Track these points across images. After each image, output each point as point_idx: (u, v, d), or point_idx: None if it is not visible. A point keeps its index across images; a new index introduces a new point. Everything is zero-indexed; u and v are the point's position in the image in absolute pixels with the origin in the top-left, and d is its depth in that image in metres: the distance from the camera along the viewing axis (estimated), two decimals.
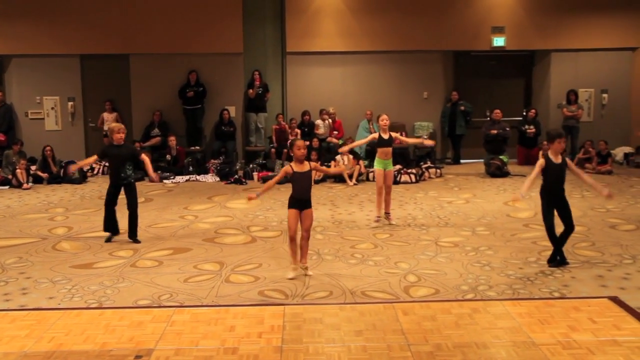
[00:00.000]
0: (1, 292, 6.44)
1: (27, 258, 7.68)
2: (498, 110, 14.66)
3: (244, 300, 6.13)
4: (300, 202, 6.75)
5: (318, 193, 11.74)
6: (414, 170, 13.40)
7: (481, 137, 14.63)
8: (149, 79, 15.34)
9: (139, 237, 8.41)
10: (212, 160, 14.58)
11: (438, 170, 13.94)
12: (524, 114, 15.63)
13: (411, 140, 11.15)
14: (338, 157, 13.56)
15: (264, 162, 14.60)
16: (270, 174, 13.64)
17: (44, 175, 13.47)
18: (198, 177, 13.94)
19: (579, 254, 7.59)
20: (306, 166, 6.78)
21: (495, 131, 14.35)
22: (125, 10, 15.08)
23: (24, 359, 4.78)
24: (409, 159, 15.17)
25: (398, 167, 9.43)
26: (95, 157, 8.83)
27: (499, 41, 15.89)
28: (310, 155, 13.41)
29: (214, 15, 15.16)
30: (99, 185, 13.11)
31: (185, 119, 15.22)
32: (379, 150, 9.23)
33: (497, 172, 13.62)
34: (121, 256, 7.73)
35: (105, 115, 15.18)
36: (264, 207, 10.70)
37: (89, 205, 10.99)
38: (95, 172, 14.56)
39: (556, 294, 6.17)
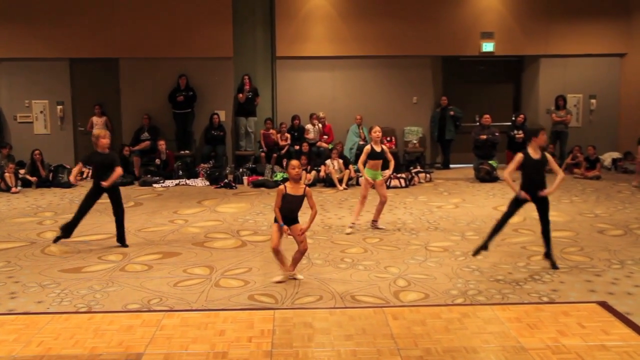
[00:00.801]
0: None
1: (15, 262, 7.63)
2: (487, 116, 14.72)
3: (233, 304, 6.12)
4: (286, 219, 6.73)
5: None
6: (403, 175, 13.44)
7: (470, 142, 14.69)
8: (139, 83, 15.31)
9: (127, 242, 8.39)
10: (202, 165, 14.56)
11: (428, 175, 13.98)
12: (513, 119, 15.69)
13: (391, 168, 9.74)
14: (328, 162, 13.57)
15: (253, 166, 14.60)
16: (260, 178, 13.65)
17: (33, 179, 13.41)
18: (188, 181, 13.91)
19: (567, 258, 7.63)
20: (300, 189, 6.72)
21: (484, 136, 14.41)
22: (115, 14, 15.06)
23: None
24: (399, 164, 15.21)
25: (387, 172, 9.39)
26: (80, 165, 8.78)
27: (488, 46, 15.97)
28: (300, 160, 13.42)
29: (204, 19, 15.16)
30: (88, 189, 13.02)
31: (175, 123, 15.20)
32: (370, 162, 9.19)
33: (486, 177, 13.68)
34: (110, 260, 7.70)
35: (95, 119, 15.13)
36: (254, 211, 10.70)
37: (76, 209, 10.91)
38: (84, 175, 14.47)
39: (545, 299, 6.20)
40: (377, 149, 9.19)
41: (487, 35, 15.96)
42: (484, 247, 7.29)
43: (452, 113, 15.60)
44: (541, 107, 16.23)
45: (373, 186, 9.24)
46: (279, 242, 6.69)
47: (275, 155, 14.67)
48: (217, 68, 15.35)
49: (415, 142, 15.87)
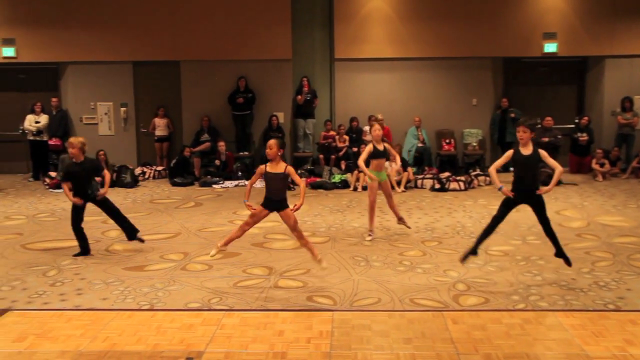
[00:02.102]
0: (57, 292, 6.60)
1: (81, 259, 7.86)
2: (549, 118, 14.42)
3: (292, 305, 6.15)
4: (273, 202, 6.73)
5: (365, 199, 11.67)
6: (462, 178, 13.28)
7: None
8: (199, 85, 15.55)
9: (187, 241, 8.50)
10: (261, 166, 14.65)
11: (487, 178, 13.77)
12: (577, 121, 15.34)
13: (397, 163, 9.79)
14: (386, 163, 13.48)
15: (312, 167, 14.64)
16: (318, 179, 13.68)
17: (97, 179, 13.72)
18: (247, 183, 14.02)
19: (634, 265, 7.41)
20: (280, 167, 6.71)
21: (546, 139, 14.11)
22: (177, 18, 15.33)
23: (79, 358, 4.89)
24: (458, 166, 15.05)
25: (395, 166, 9.12)
26: (65, 185, 8.08)
27: (550, 47, 15.64)
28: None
29: (263, 22, 15.30)
30: (150, 189, 13.34)
31: (235, 125, 15.38)
32: (373, 162, 8.83)
33: (547, 180, 13.34)
34: (172, 259, 7.85)
35: (157, 120, 15.44)
36: (311, 212, 10.74)
37: (140, 209, 11.19)
38: (146, 176, 14.81)
39: (611, 306, 6.03)
40: (379, 147, 8.84)
41: (550, 36, 15.63)
42: (473, 252, 6.87)
43: (512, 115, 15.33)
44: (606, 109, 15.80)
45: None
46: (253, 224, 6.82)
47: (333, 157, 14.69)
48: (276, 70, 15.47)
49: (474, 144, 15.66)
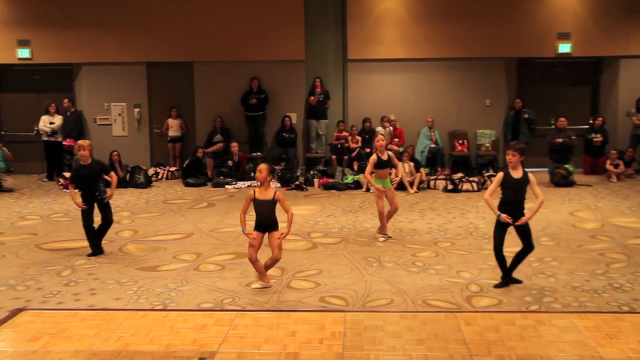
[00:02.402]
0: (71, 292, 6.65)
1: (95, 259, 7.90)
2: (563, 118, 14.33)
3: (305, 305, 6.16)
4: (264, 225, 6.73)
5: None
6: (475, 179, 13.24)
7: (545, 146, 14.33)
8: (212, 86, 15.59)
9: (196, 242, 8.53)
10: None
11: None
12: (591, 122, 15.25)
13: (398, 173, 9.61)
14: (399, 164, 13.46)
15: (324, 168, 14.64)
16: (330, 180, 13.68)
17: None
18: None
19: None
20: (269, 193, 6.68)
21: (560, 140, 14.05)
22: (190, 19, 15.37)
23: (93, 357, 4.92)
24: (471, 167, 15.00)
25: (397, 179, 9.18)
26: (72, 188, 8.15)
27: (564, 47, 15.54)
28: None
29: (276, 23, 15.31)
30: (163, 190, 13.39)
31: (247, 126, 15.40)
32: (378, 171, 8.91)
33: (561, 181, 13.32)
34: (185, 260, 7.88)
35: (170, 121, 15.49)
36: (324, 213, 10.74)
37: (153, 209, 11.23)
38: (159, 176, 14.86)
39: (625, 308, 5.99)
40: (384, 157, 8.92)
41: (564, 36, 15.53)
42: (509, 281, 6.75)
43: (526, 116, 15.25)
44: (620, 109, 15.68)
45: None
46: (256, 250, 6.69)
47: (346, 157, 14.68)
48: (288, 71, 15.48)
49: (487, 145, 15.59)
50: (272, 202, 6.68)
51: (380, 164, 8.90)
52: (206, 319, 5.74)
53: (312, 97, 15.24)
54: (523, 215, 6.58)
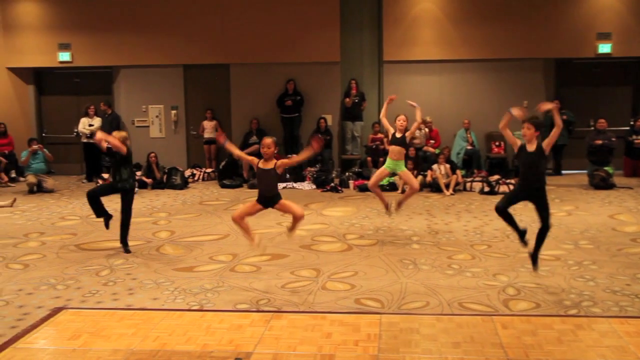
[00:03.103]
0: (110, 291, 6.74)
1: (133, 260, 8.01)
2: (603, 120, 14.10)
3: (340, 307, 6.16)
4: (266, 198, 6.82)
5: (414, 202, 11.65)
6: (512, 181, 13.08)
7: (584, 148, 14.11)
8: (248, 88, 15.70)
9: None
10: (309, 168, 14.73)
11: None
12: (632, 123, 14.96)
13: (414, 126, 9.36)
14: (434, 167, 13.41)
15: (359, 170, 14.63)
16: (366, 182, 13.64)
17: (149, 180, 14.01)
18: (295, 185, 14.12)
19: None
20: (271, 164, 6.78)
21: (600, 141, 13.81)
22: (226, 22, 15.51)
23: (131, 356, 4.99)
24: (508, 169, 14.83)
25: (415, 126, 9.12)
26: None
27: (605, 48, 15.28)
28: (406, 164, 13.33)
29: (311, 24, 15.36)
30: (200, 191, 13.52)
31: (283, 127, 15.47)
32: (390, 148, 9.02)
33: (601, 183, 13.10)
34: (221, 260, 7.93)
35: (205, 123, 15.63)
36: (360, 215, 10.73)
37: (190, 211, 11.34)
38: (196, 178, 15.01)
39: None
40: (398, 135, 8.98)
41: (604, 36, 15.27)
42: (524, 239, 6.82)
43: (564, 117, 15.03)
44: None
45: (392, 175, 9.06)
46: (245, 215, 6.87)
47: (381, 159, 14.63)
48: (324, 72, 15.51)
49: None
50: (273, 171, 6.80)
51: (394, 141, 8.99)
52: (242, 319, 5.77)
53: (347, 99, 15.23)
54: (540, 193, 6.51)
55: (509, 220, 6.80)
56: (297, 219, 7.01)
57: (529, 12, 15.27)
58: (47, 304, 6.35)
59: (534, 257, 6.76)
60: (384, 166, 9.17)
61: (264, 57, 15.51)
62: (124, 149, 8.16)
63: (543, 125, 6.78)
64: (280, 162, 6.89)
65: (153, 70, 15.89)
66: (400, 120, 9.03)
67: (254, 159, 7.00)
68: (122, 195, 8.38)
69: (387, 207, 9.32)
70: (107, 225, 8.51)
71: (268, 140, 6.87)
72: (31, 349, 5.18)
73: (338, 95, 15.62)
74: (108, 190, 8.57)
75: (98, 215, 8.49)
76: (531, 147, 6.58)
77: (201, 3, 15.47)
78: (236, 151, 7.38)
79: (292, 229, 7.23)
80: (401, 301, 6.31)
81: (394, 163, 8.97)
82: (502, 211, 6.70)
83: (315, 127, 15.23)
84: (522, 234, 6.87)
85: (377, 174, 9.28)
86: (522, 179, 6.65)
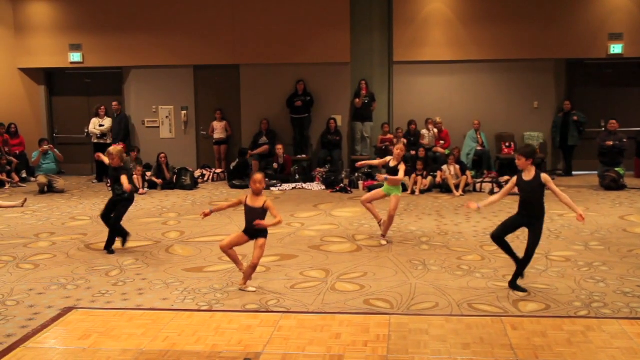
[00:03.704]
0: (120, 291, 6.77)
1: (142, 260, 8.03)
2: (614, 121, 14.03)
3: (349, 308, 6.15)
4: (252, 231, 6.70)
5: (424, 203, 11.63)
6: None
7: (595, 149, 14.04)
8: (258, 89, 15.72)
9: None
10: (318, 169, 14.74)
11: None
12: None
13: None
14: (444, 167, 13.39)
15: (369, 171, 14.61)
16: (375, 183, 13.63)
17: (159, 181, 14.05)
18: (304, 185, 14.13)
19: None
20: (260, 201, 6.65)
21: (611, 142, 13.74)
22: (236, 22, 15.54)
23: (140, 356, 5.00)
24: (518, 170, 14.76)
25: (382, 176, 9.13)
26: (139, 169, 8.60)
27: (616, 48, 15.21)
28: (416, 165, 13.33)
29: (321, 25, 15.36)
30: (209, 192, 13.54)
31: (293, 128, 15.48)
32: (389, 177, 8.90)
33: (612, 184, 13.03)
34: (230, 261, 7.92)
35: (215, 123, 15.66)
36: (369, 216, 10.69)
37: (199, 211, 11.29)
38: (205, 178, 15.04)
39: None
40: (392, 164, 8.86)
41: (616, 37, 15.20)
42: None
43: (575, 118, 14.98)
44: None
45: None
46: (231, 245, 6.77)
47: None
48: (334, 73, 15.51)
49: (535, 147, 15.35)
50: (262, 211, 6.66)
51: (388, 170, 8.93)
52: (251, 320, 5.78)
53: (357, 100, 15.23)
54: (539, 216, 6.51)
55: (506, 248, 6.77)
56: (252, 264, 6.75)
57: (539, 13, 15.22)
58: (57, 303, 6.37)
59: (514, 286, 6.66)
60: (382, 189, 9.10)
61: (274, 57, 15.52)
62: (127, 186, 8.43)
63: (534, 153, 6.77)
64: (268, 204, 6.67)
65: (163, 71, 15.94)
66: (398, 150, 8.93)
67: (241, 199, 6.83)
68: (119, 203, 8.53)
69: (380, 222, 9.17)
70: (124, 243, 8.58)
71: (259, 176, 6.74)
72: (41, 348, 5.21)
73: (348, 96, 15.61)
74: (110, 205, 8.67)
75: (119, 236, 8.55)
76: (528, 176, 6.59)
77: (212, 4, 15.51)
78: (220, 207, 7.22)
79: (247, 274, 6.84)
80: (410, 302, 6.31)
81: (389, 188, 8.96)
82: (498, 239, 6.73)
83: (325, 127, 15.24)
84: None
85: (373, 193, 9.23)
86: (521, 207, 6.63)
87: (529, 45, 15.27)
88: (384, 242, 8.84)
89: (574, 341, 5.16)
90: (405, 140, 14.44)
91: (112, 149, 8.68)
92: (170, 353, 5.05)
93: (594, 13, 15.23)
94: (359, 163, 10.46)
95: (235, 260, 6.94)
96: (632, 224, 9.80)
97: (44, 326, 5.67)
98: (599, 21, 15.21)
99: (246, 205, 6.73)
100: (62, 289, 6.89)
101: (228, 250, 6.83)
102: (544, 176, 6.54)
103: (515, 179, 6.68)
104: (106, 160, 8.72)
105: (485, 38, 15.38)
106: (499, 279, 7.04)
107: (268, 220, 6.67)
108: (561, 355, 4.91)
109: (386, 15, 15.77)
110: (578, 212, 6.52)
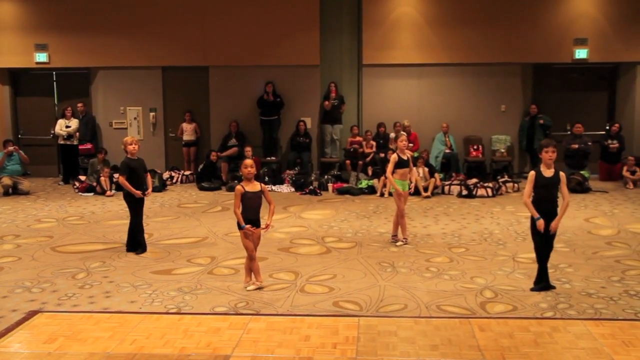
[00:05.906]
0: (86, 294, 6.68)
1: (110, 263, 7.95)
2: (579, 124, 14.26)
3: (318, 310, 6.16)
4: (251, 222, 6.75)
5: (393, 205, 11.68)
6: (490, 184, 13.17)
7: (561, 152, 14.24)
8: (227, 90, 15.65)
9: (215, 244, 8.56)
10: (288, 171, 14.73)
11: (515, 185, 13.66)
12: (607, 128, 15.15)
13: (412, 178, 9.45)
14: (413, 170, 13.43)
15: (338, 173, 14.64)
16: (344, 185, 13.67)
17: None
18: (274, 187, 14.09)
19: None
20: (257, 186, 6.78)
21: (576, 146, 13.96)
22: (205, 24, 15.45)
23: None
24: (486, 173, 14.94)
25: (412, 184, 9.21)
26: (124, 180, 8.48)
27: (581, 53, 15.45)
28: (385, 167, 13.37)
29: (291, 28, 15.35)
30: (178, 194, 13.44)
31: (262, 130, 15.45)
32: (399, 171, 8.86)
33: (577, 187, 13.23)
34: (199, 263, 7.89)
35: (184, 125, 15.56)
36: (338, 218, 10.74)
37: (168, 213, 11.28)
38: (174, 180, 14.93)
39: None
40: (404, 157, 8.91)
41: (581, 42, 15.44)
42: (547, 286, 6.75)
43: (541, 122, 15.18)
44: (637, 116, 15.57)
45: None
46: (254, 247, 6.78)
47: (360, 162, 14.68)
48: (303, 75, 15.51)
49: (502, 150, 15.53)
50: (260, 194, 6.79)
51: (401, 164, 8.86)
52: (220, 322, 5.75)
53: (326, 102, 15.25)
54: (556, 213, 6.60)
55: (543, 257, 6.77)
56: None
57: (507, 17, 15.40)
58: (22, 307, 6.27)
59: (543, 278, 6.78)
60: (401, 189, 8.93)
61: (244, 59, 15.47)
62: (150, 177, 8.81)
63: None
64: (264, 187, 6.86)
65: (131, 72, 15.78)
66: (403, 141, 8.95)
67: (239, 190, 6.75)
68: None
69: (405, 240, 9.06)
70: (140, 253, 8.49)
71: (250, 161, 6.84)
72: (6, 352, 5.12)
73: (317, 98, 15.63)
74: (142, 203, 8.75)
75: (144, 247, 8.55)
76: (548, 173, 6.60)
77: (181, 5, 15.40)
78: (238, 215, 6.88)
79: (248, 274, 6.92)
80: (379, 304, 6.33)
81: (402, 183, 8.95)
82: (540, 251, 6.74)
83: (294, 130, 15.24)
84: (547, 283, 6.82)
85: (402, 201, 8.93)
86: (539, 202, 6.57)
87: (496, 49, 15.44)
88: (399, 243, 8.88)
89: (540, 342, 5.23)
90: (405, 133, 14.45)
91: (128, 137, 8.84)
92: (138, 356, 5.01)
93: (560, 18, 15.46)
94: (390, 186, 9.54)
95: (257, 270, 6.89)
96: (597, 226, 9.96)
97: (8, 330, 5.57)
98: (565, 26, 15.44)
99: (247, 193, 6.75)
100: (27, 292, 6.78)
101: (253, 254, 6.81)
102: (563, 175, 6.62)
103: (533, 174, 6.61)
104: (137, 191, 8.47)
105: (454, 42, 15.51)
106: (467, 280, 7.10)
107: (266, 216, 6.82)
108: (528, 356, 4.97)
109: (355, 18, 15.82)
110: (559, 219, 6.61)
